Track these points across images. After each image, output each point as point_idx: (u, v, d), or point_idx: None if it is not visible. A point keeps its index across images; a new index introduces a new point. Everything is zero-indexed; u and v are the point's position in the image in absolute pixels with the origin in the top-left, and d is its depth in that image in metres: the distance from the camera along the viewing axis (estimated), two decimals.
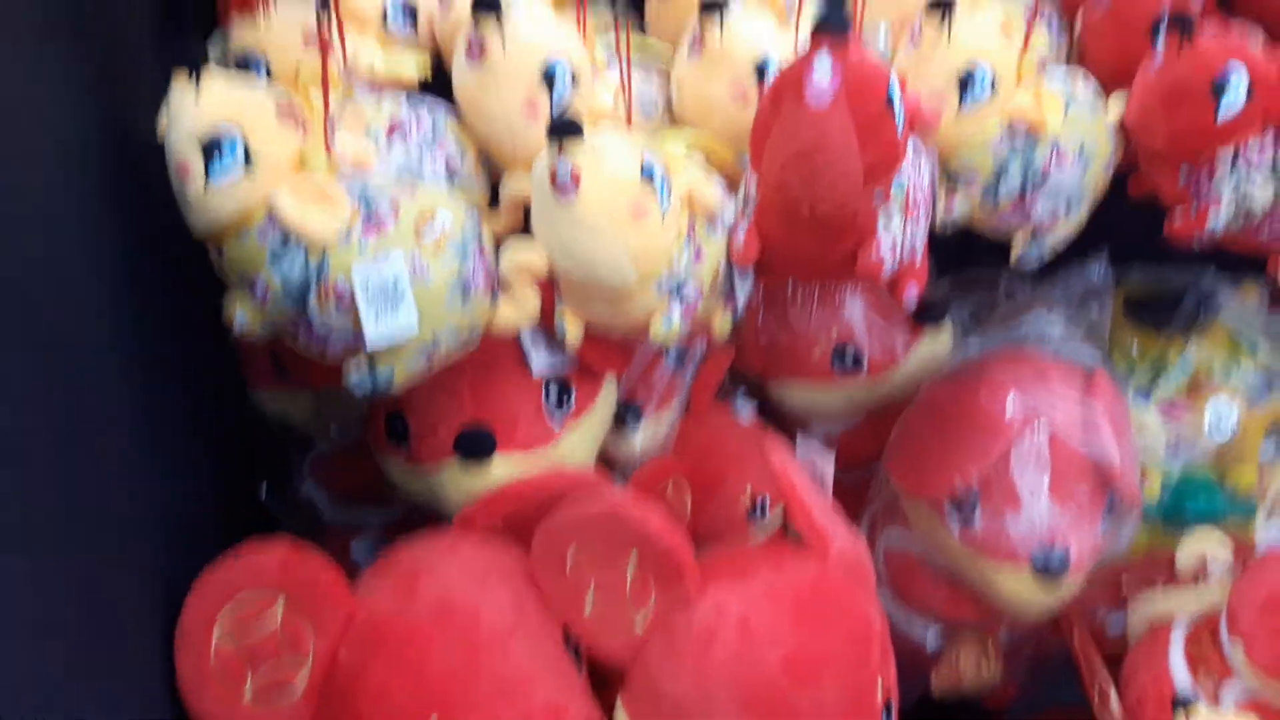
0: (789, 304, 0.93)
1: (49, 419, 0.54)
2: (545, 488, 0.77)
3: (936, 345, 0.95)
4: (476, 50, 0.71)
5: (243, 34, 0.75)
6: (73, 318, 0.59)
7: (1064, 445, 0.84)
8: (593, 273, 0.70)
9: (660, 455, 0.89)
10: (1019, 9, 0.81)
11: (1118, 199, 0.88)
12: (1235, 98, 0.75)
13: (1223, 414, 0.97)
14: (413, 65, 0.77)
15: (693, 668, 0.67)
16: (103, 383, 0.63)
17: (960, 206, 0.80)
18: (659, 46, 0.82)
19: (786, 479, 0.74)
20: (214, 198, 0.64)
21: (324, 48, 0.67)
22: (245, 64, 0.73)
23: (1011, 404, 0.84)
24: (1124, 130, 0.82)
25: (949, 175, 0.80)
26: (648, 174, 0.69)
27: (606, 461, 0.88)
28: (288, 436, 0.97)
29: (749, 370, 0.97)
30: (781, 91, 0.67)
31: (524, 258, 0.71)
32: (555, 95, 0.72)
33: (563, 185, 0.67)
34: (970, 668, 0.96)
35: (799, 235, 0.71)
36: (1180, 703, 0.79)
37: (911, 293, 0.75)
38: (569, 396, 0.80)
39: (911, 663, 0.90)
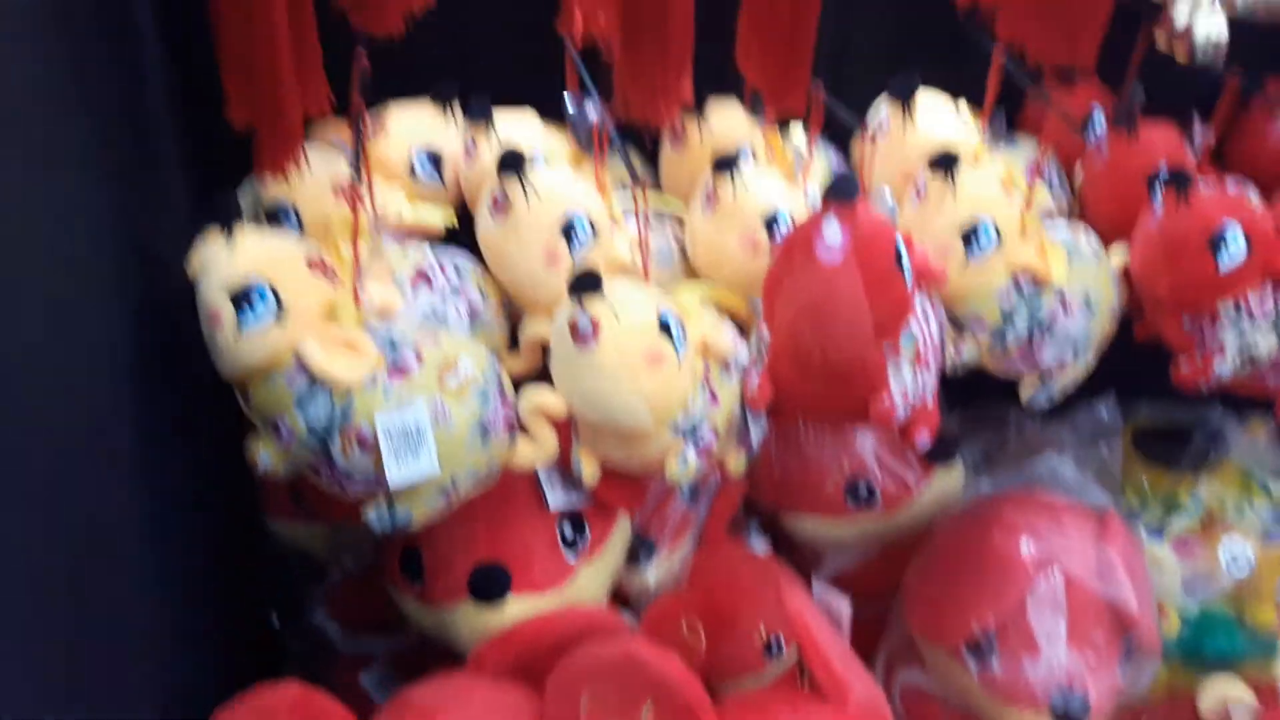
0: (802, 438, 0.94)
1: (63, 538, 0.55)
2: (559, 628, 0.77)
3: (949, 481, 0.95)
4: (501, 205, 0.74)
5: (274, 184, 0.78)
6: (93, 441, 0.61)
7: (1080, 588, 0.84)
8: (610, 416, 0.72)
9: (674, 590, 0.89)
10: (1019, 163, 0.84)
11: (1124, 336, 0.90)
12: (1234, 252, 0.78)
13: (1237, 553, 0.97)
14: (438, 216, 0.81)
15: None
16: (118, 508, 0.64)
17: (968, 351, 0.81)
18: (674, 202, 0.86)
19: (804, 625, 0.74)
20: (244, 345, 0.66)
21: (354, 203, 0.70)
22: (276, 214, 0.77)
23: (1026, 547, 0.84)
24: (1127, 278, 0.85)
25: (956, 322, 0.82)
26: (664, 323, 0.71)
27: (620, 595, 0.88)
28: (301, 565, 0.97)
29: (762, 502, 0.97)
30: (793, 248, 0.69)
31: (543, 400, 0.73)
32: (574, 246, 0.75)
33: (583, 335, 0.69)
34: None
35: (811, 383, 0.72)
36: None
37: (923, 438, 0.76)
38: (584, 533, 0.81)
39: None
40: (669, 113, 0.70)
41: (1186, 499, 0.99)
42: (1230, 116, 0.90)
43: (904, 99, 0.82)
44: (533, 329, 0.78)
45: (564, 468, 0.78)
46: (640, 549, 0.87)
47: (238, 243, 0.67)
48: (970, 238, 0.77)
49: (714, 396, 0.74)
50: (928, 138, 0.83)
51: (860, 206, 0.68)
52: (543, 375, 0.76)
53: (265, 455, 0.70)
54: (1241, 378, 0.85)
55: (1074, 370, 0.85)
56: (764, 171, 0.82)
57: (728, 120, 0.87)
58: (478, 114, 0.81)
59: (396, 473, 0.68)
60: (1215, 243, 0.78)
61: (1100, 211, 0.87)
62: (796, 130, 0.90)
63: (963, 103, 0.87)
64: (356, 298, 0.71)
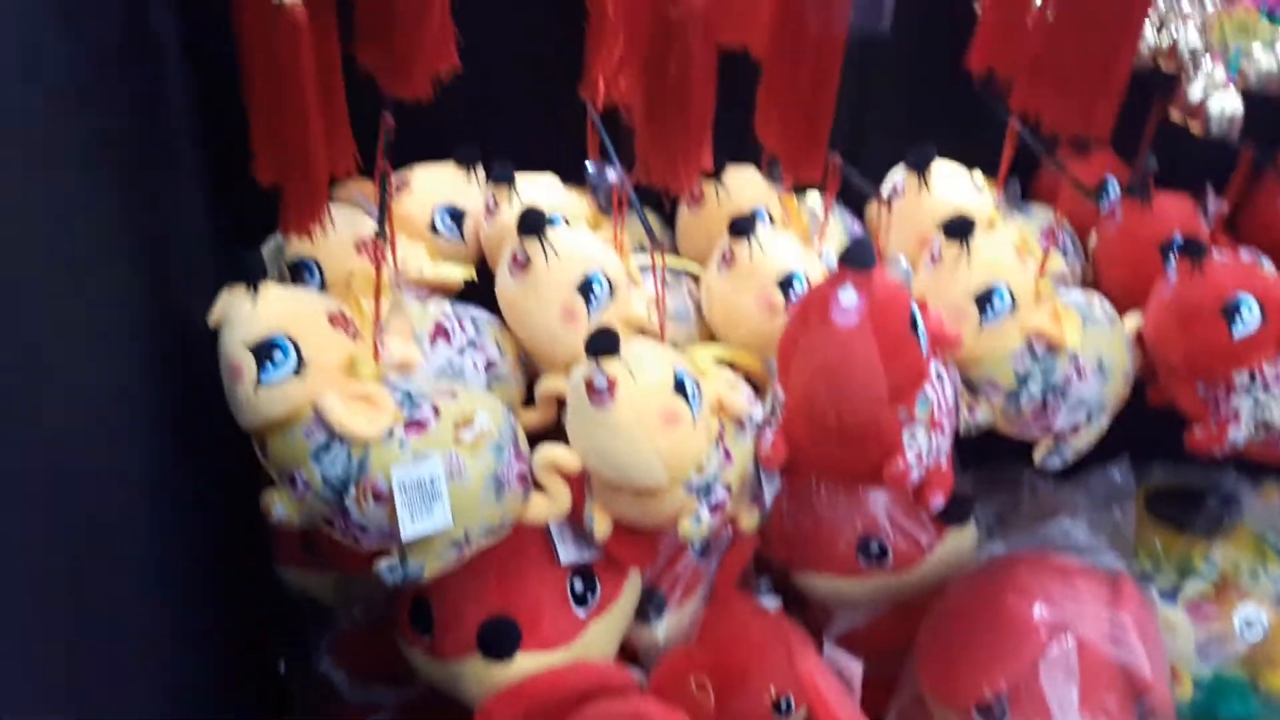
0: (814, 494, 0.94)
1: (68, 586, 0.55)
2: (568, 684, 0.77)
3: (962, 541, 0.95)
4: (521, 263, 0.76)
5: (298, 241, 0.79)
6: (104, 485, 0.61)
7: (1093, 653, 0.83)
8: (625, 474, 0.72)
9: (683, 646, 0.89)
10: (1033, 227, 0.85)
11: (1137, 398, 0.90)
12: (1248, 321, 0.78)
13: (1252, 618, 0.97)
14: (458, 272, 0.82)
15: None
16: (127, 551, 0.64)
17: (982, 414, 0.82)
18: (691, 264, 0.87)
19: (814, 685, 0.74)
20: (264, 398, 0.67)
21: (377, 259, 0.71)
22: (299, 269, 0.78)
23: (1039, 610, 0.83)
24: (1141, 343, 0.85)
25: (971, 384, 0.82)
26: (679, 382, 0.71)
27: (628, 650, 0.87)
28: (310, 612, 0.97)
29: (774, 559, 0.97)
30: (809, 311, 0.70)
31: (557, 455, 0.74)
32: (592, 305, 0.76)
33: (599, 394, 0.70)
34: None
35: (825, 444, 0.73)
36: None
37: (937, 500, 0.76)
38: (594, 589, 0.81)
39: None
40: (689, 180, 0.71)
41: (1201, 563, 0.98)
42: (1243, 187, 0.91)
43: (920, 167, 0.83)
44: (549, 384, 0.79)
45: (576, 523, 0.79)
46: (650, 604, 0.87)
47: (261, 297, 0.68)
48: (985, 302, 0.78)
49: (728, 455, 0.75)
50: (943, 203, 0.84)
51: (876, 271, 0.69)
52: (558, 431, 0.77)
53: (280, 506, 0.71)
54: (1256, 444, 0.85)
55: (1088, 434, 0.85)
56: (780, 234, 0.83)
57: (744, 183, 0.88)
58: (500, 176, 0.82)
59: (410, 526, 0.68)
60: (1229, 312, 0.78)
61: (1114, 278, 0.88)
62: (812, 194, 0.91)
63: (977, 171, 0.88)
64: (376, 353, 0.72)
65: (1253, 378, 0.80)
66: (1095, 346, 0.82)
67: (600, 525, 0.77)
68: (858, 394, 0.69)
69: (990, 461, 1.00)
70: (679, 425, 0.71)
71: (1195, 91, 0.73)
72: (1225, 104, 0.73)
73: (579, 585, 0.80)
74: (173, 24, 0.79)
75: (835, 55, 0.70)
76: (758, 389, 0.81)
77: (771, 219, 0.87)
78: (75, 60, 0.60)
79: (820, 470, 0.77)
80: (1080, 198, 0.86)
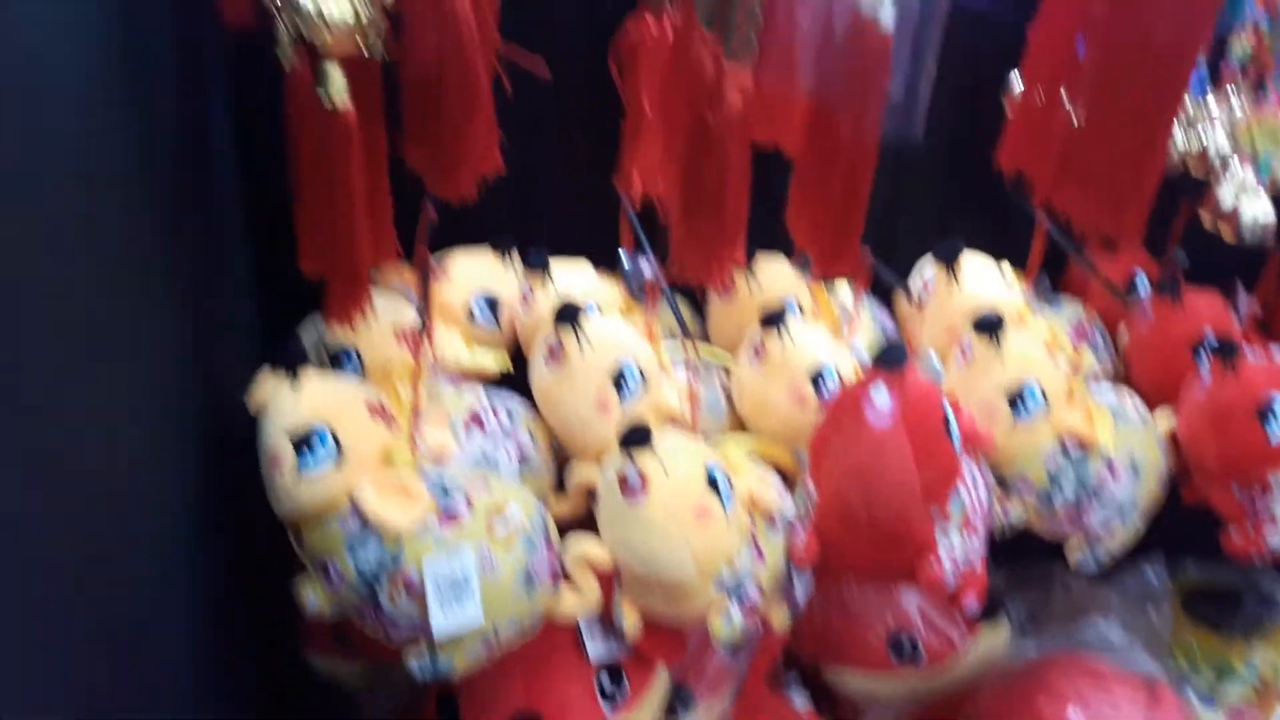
0: (845, 590, 0.93)
1: (102, 670, 0.55)
2: None
3: (994, 639, 0.93)
4: (555, 353, 0.77)
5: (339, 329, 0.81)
6: (135, 563, 0.61)
7: None
8: (656, 570, 0.72)
9: None
10: (1063, 324, 0.85)
11: (1170, 495, 0.89)
12: None
13: None
14: (493, 361, 0.83)
15: None
16: (159, 636, 0.64)
17: (1015, 513, 0.81)
18: (721, 354, 0.88)
19: None
20: (302, 488, 0.68)
21: (417, 350, 0.73)
22: (338, 357, 0.79)
23: (1072, 716, 0.81)
24: (1175, 443, 0.84)
25: (1003, 482, 0.82)
26: (711, 478, 0.71)
27: None
28: (337, 698, 0.96)
29: (803, 654, 0.96)
30: (842, 410, 0.70)
31: (588, 550, 0.74)
32: (625, 395, 0.77)
33: (631, 489, 0.70)
34: None
35: (858, 543, 0.72)
36: None
37: (971, 602, 0.75)
38: (622, 686, 0.80)
39: None
40: (722, 278, 0.72)
41: (1240, 665, 0.96)
42: (1275, 285, 0.91)
43: (949, 261, 0.84)
44: (580, 474, 0.79)
45: (605, 618, 0.78)
46: (678, 699, 0.85)
47: (302, 385, 0.70)
48: (1017, 400, 0.78)
49: (760, 553, 0.74)
50: (972, 298, 0.85)
51: (909, 371, 0.69)
52: (588, 520, 0.77)
53: (313, 597, 0.71)
54: None
55: (1122, 535, 0.84)
56: (811, 326, 0.84)
57: (775, 273, 0.89)
58: (535, 263, 0.84)
59: (442, 621, 0.68)
60: (1264, 414, 0.78)
61: (1145, 375, 0.88)
62: (842, 283, 0.92)
63: (1006, 263, 0.89)
64: (413, 443, 0.72)
65: None
66: (1128, 446, 0.81)
67: (630, 621, 0.76)
68: (891, 494, 0.69)
69: (1022, 558, 0.98)
70: (711, 521, 0.71)
71: (1226, 197, 0.74)
72: (1257, 210, 0.73)
73: (607, 681, 0.79)
74: (225, 116, 0.82)
75: (868, 162, 0.71)
76: (788, 481, 0.81)
77: (801, 309, 0.88)
78: (132, 148, 0.62)
79: (853, 569, 0.77)
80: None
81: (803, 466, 0.79)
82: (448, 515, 0.69)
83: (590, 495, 0.78)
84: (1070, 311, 0.93)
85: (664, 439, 0.73)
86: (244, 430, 0.71)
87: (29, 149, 0.50)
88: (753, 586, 0.74)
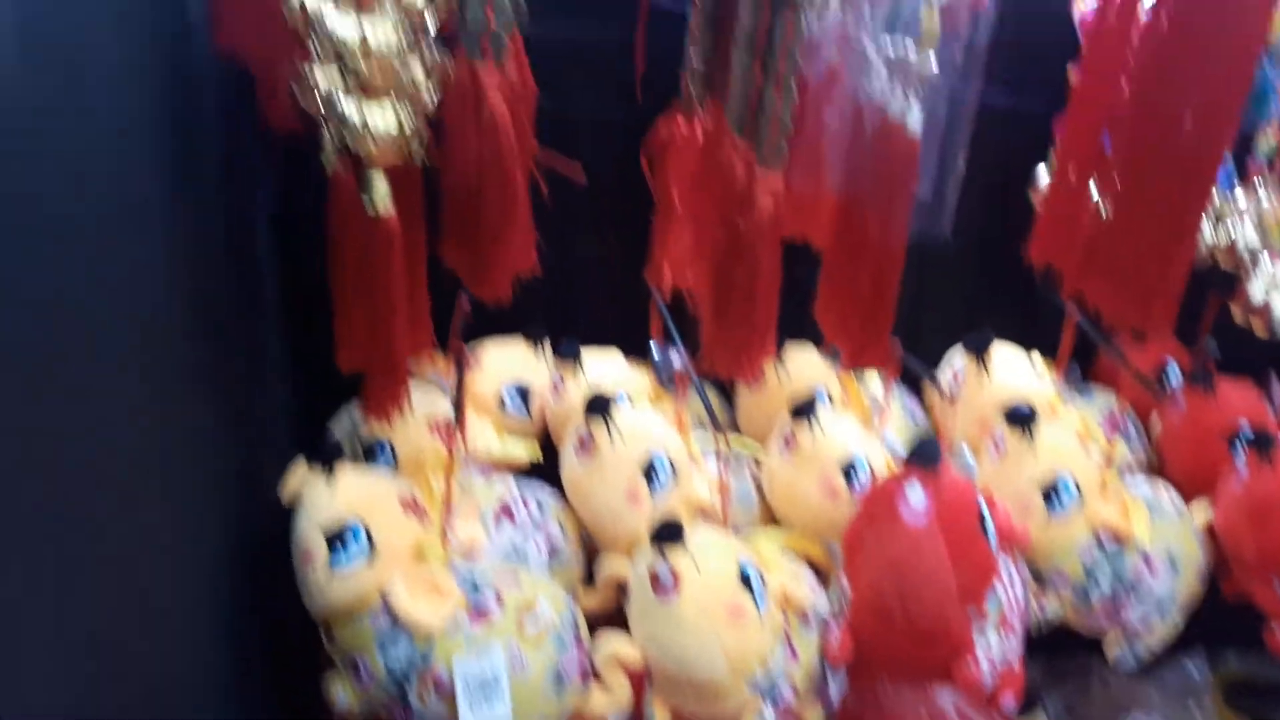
0: (880, 689, 0.91)
1: None
2: None
3: None
4: (586, 445, 0.77)
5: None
6: (165, 670, 0.61)
7: None
8: (687, 669, 0.71)
9: None
10: (1095, 412, 0.85)
11: (1210, 585, 0.87)
12: None
13: None
14: (524, 451, 0.83)
15: None
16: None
17: (1052, 609, 0.80)
18: (751, 444, 0.88)
19: None
20: (335, 584, 0.68)
21: (451, 444, 0.73)
22: (373, 449, 0.80)
23: None
24: (1212, 535, 0.83)
25: (1038, 576, 0.80)
26: (744, 575, 0.71)
27: None
28: None
29: None
30: (876, 507, 0.70)
31: (619, 649, 0.73)
32: (655, 487, 0.77)
33: (664, 587, 0.70)
34: None
35: (894, 642, 0.71)
36: None
37: (1009, 702, 0.74)
38: None
39: None
40: (753, 372, 0.72)
41: None
42: None
43: (979, 352, 0.84)
44: (610, 568, 0.79)
45: (636, 718, 0.77)
46: None
47: (337, 481, 0.70)
48: (1050, 493, 0.77)
49: (794, 651, 0.74)
50: (1003, 388, 0.85)
51: (943, 469, 0.69)
52: (617, 613, 0.76)
53: (343, 694, 0.70)
54: None
55: (1161, 630, 0.83)
56: (841, 417, 0.84)
57: (804, 363, 0.89)
58: (567, 353, 0.85)
59: None
60: None
61: (1179, 466, 0.87)
62: (872, 374, 0.92)
63: (1036, 353, 0.89)
64: (444, 537, 0.72)
65: None
66: (1165, 540, 0.80)
67: None
68: (927, 594, 0.68)
69: (1059, 651, 0.96)
70: (744, 620, 0.70)
71: (1257, 292, 0.74)
72: None
73: None
74: (268, 214, 0.84)
75: (896, 261, 0.72)
76: (821, 576, 0.80)
77: (831, 398, 0.88)
78: (177, 245, 0.64)
79: (889, 668, 0.75)
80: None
81: (836, 562, 0.79)
82: (478, 612, 0.69)
83: (620, 589, 0.78)
84: (1102, 401, 0.92)
85: (696, 534, 0.73)
86: (277, 521, 0.71)
87: (82, 245, 0.51)
88: (787, 686, 0.73)
